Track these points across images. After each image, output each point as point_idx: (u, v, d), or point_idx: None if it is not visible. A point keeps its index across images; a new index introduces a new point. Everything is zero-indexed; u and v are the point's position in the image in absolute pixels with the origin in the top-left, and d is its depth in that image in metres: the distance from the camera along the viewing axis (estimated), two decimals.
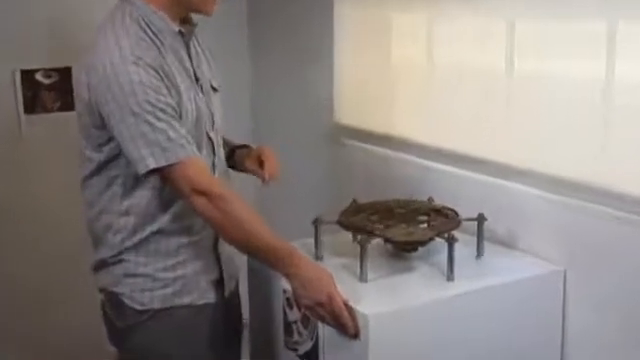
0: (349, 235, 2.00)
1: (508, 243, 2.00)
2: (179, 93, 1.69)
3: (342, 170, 2.50)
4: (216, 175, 1.80)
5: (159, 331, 1.76)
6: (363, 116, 2.47)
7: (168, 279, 1.76)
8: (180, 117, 1.69)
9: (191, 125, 1.72)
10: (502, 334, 1.82)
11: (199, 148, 1.73)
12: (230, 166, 1.94)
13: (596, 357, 1.85)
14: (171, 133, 1.65)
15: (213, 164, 1.80)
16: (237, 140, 1.98)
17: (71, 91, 2.45)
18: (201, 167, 1.69)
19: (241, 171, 1.94)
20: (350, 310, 1.67)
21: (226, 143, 1.95)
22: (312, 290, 1.66)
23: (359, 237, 1.84)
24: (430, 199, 2.08)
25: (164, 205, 1.74)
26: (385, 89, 2.38)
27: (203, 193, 1.66)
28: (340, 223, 1.93)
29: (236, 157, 1.95)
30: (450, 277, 1.80)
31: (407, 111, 2.33)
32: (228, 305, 1.86)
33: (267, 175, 1.86)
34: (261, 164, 1.89)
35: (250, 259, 1.89)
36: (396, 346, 1.70)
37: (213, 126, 1.80)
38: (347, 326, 1.66)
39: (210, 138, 1.79)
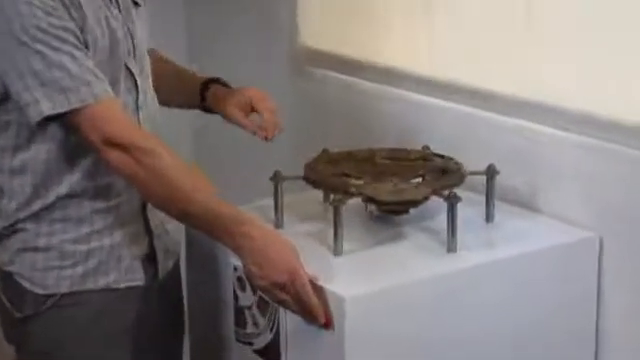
0: (319, 194, 2.01)
1: (527, 203, 2.03)
2: (83, 15, 1.69)
3: (309, 109, 2.51)
4: (141, 119, 1.81)
5: (67, 322, 1.78)
6: (338, 37, 2.47)
7: (79, 254, 1.78)
8: (86, 46, 1.69)
9: (102, 55, 1.72)
10: (518, 318, 1.85)
11: (114, 85, 1.73)
12: (201, 108, 1.97)
13: None
14: (72, 67, 1.65)
15: (137, 105, 1.81)
16: None
17: None
18: (115, 110, 1.70)
19: (217, 114, 1.96)
20: (320, 292, 1.69)
21: (184, 74, 1.97)
22: (269, 267, 1.67)
23: (332, 197, 1.86)
24: (425, 147, 2.09)
25: (71, 160, 1.75)
26: (368, 1, 2.38)
27: (119, 144, 1.67)
28: (307, 179, 1.95)
29: (211, 97, 1.96)
30: (451, 247, 1.83)
31: (397, 31, 2.33)
32: (163, 289, 1.88)
33: (269, 131, 1.89)
34: (246, 112, 1.90)
35: (188, 228, 1.91)
36: (380, 337, 1.72)
37: (135, 53, 1.81)
38: (316, 312, 1.68)
39: (130, 70, 1.79)
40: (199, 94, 1.97)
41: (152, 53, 1.96)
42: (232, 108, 1.93)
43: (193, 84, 1.99)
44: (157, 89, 1.93)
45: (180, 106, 2.06)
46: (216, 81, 1.99)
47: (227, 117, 1.95)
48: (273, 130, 1.90)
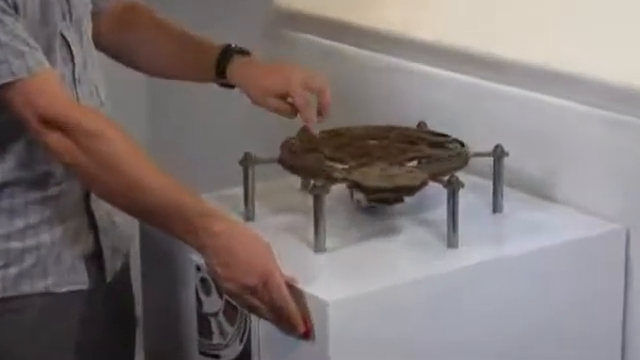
0: (297, 181, 2.02)
1: (541, 190, 2.03)
2: None
3: None
4: (79, 94, 1.80)
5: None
6: None
7: (13, 252, 1.77)
8: (16, 10, 1.68)
9: (33, 19, 1.71)
10: (528, 324, 1.85)
11: (49, 55, 1.72)
12: (218, 82, 1.98)
13: None
14: (1, 35, 1.65)
15: (74, 77, 1.80)
16: None
17: None
18: (53, 84, 1.70)
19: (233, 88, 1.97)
20: (298, 296, 1.68)
21: (189, 40, 1.98)
22: (238, 268, 1.67)
23: (312, 183, 1.85)
24: (422, 124, 2.10)
25: (1, 144, 1.74)
26: None
27: (58, 125, 1.67)
28: (282, 162, 1.95)
29: (234, 72, 1.95)
30: (452, 242, 1.83)
31: None
32: (111, 292, 1.88)
33: (310, 115, 1.90)
34: (282, 94, 1.91)
35: (142, 223, 1.91)
36: (369, 346, 1.72)
37: (70, 17, 1.80)
38: (293, 320, 1.68)
39: (64, 37, 1.78)
40: (215, 66, 1.97)
41: (142, 10, 1.99)
42: (267, 94, 1.93)
43: (205, 53, 1.98)
44: (153, 57, 1.96)
45: (185, 78, 2.06)
46: (234, 50, 1.97)
47: (255, 100, 1.95)
48: (318, 115, 1.92)
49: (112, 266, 1.87)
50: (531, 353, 1.86)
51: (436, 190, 1.86)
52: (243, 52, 1.99)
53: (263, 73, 1.96)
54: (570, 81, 1.99)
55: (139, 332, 2.00)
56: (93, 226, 1.83)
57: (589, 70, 1.96)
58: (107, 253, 1.85)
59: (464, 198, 1.83)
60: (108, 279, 1.86)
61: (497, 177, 1.96)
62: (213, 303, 1.83)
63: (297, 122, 1.99)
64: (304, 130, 1.99)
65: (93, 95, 1.84)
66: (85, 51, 1.83)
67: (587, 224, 1.94)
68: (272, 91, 1.93)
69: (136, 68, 2.05)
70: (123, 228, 1.90)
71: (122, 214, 1.82)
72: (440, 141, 2.01)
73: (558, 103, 2.01)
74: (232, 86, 1.99)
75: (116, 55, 2.01)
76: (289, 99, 1.92)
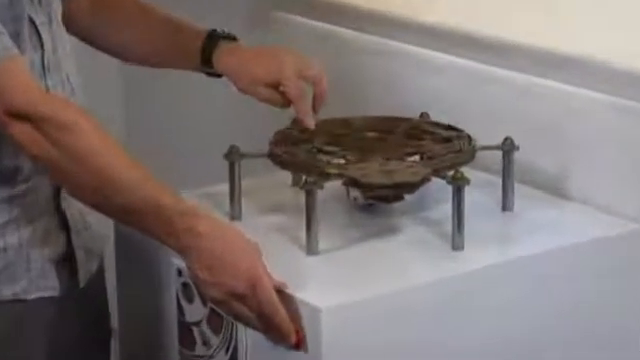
0: (287, 177, 2.01)
1: (554, 186, 2.03)
2: None
3: None
4: (50, 83, 1.79)
5: None
6: None
7: None
8: None
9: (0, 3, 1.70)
10: (541, 328, 1.84)
11: (17, 40, 1.71)
12: (202, 71, 1.97)
13: None
14: None
15: (43, 64, 1.79)
16: None
17: None
18: (21, 71, 1.69)
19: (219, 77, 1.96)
20: (289, 302, 1.68)
21: (169, 24, 1.98)
22: (223, 272, 1.66)
23: (304, 179, 1.84)
24: (424, 115, 2.09)
25: None
26: None
27: (27, 115, 1.66)
28: (272, 156, 1.94)
29: (221, 59, 1.94)
30: (458, 243, 1.82)
31: None
32: (84, 298, 1.87)
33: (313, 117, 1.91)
34: (273, 82, 1.90)
35: (118, 222, 1.89)
36: (364, 356, 1.71)
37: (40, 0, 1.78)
38: (284, 330, 1.67)
39: (33, 22, 1.77)
40: (200, 53, 1.96)
41: None
42: (251, 77, 1.92)
43: (188, 39, 1.97)
44: (131, 41, 1.97)
45: (166, 66, 2.06)
46: (220, 35, 1.96)
47: (243, 88, 1.94)
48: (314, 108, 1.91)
49: (85, 269, 1.86)
50: (544, 358, 1.86)
51: (439, 186, 1.85)
52: (230, 37, 1.97)
53: (252, 59, 1.95)
54: (587, 67, 1.98)
55: (114, 341, 2.00)
56: (64, 226, 1.82)
57: (602, 54, 1.95)
58: (80, 255, 1.84)
59: (470, 195, 1.82)
60: (81, 284, 1.85)
61: (506, 173, 1.95)
62: (196, 311, 1.82)
63: (289, 113, 1.98)
64: (297, 122, 1.98)
65: (64, 83, 1.83)
66: (55, 35, 1.82)
67: (604, 223, 1.93)
68: (262, 79, 1.92)
69: (111, 53, 2.04)
70: (97, 228, 1.89)
71: (96, 213, 1.80)
72: (444, 133, 1.99)
73: (573, 92, 2.00)
74: (219, 75, 1.98)
75: (89, 39, 2.00)
76: (281, 88, 1.91)
